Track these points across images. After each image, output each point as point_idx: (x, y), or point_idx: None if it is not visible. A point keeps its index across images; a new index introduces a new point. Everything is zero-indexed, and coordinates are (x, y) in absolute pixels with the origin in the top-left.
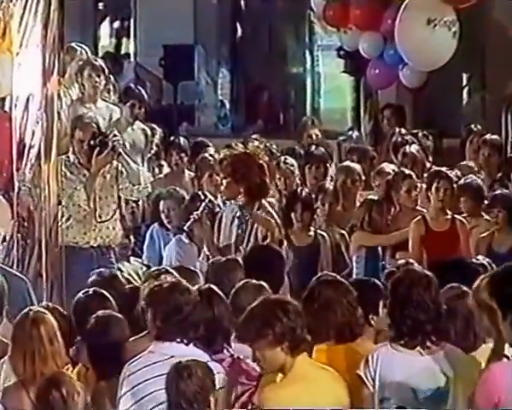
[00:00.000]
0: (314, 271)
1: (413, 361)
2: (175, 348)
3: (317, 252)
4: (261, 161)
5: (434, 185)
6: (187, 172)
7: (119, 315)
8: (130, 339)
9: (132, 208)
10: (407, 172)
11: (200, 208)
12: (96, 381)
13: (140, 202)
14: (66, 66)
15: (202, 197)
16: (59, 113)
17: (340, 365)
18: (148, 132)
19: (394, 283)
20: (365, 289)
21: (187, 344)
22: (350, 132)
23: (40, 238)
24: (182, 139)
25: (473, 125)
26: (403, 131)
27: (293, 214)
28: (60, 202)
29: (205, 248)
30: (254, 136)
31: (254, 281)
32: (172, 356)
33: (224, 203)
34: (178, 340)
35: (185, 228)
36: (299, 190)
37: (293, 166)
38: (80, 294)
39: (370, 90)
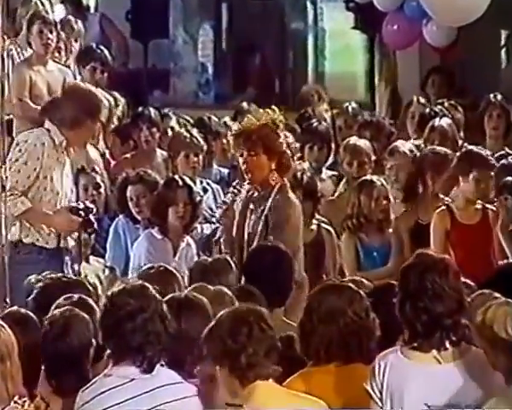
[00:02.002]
0: (319, 274)
1: (428, 371)
2: (134, 371)
3: (321, 250)
4: (284, 132)
5: (473, 174)
6: (159, 151)
7: (82, 313)
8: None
9: (93, 196)
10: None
11: (229, 195)
12: None
13: (102, 189)
14: (22, 21)
15: (180, 183)
16: (8, 76)
17: (351, 389)
18: (112, 102)
19: (404, 271)
20: (385, 295)
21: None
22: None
23: None
24: (153, 111)
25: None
26: (421, 99)
27: None
28: (3, 188)
29: (221, 244)
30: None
31: (220, 288)
32: (133, 379)
33: (235, 188)
34: (138, 362)
35: (215, 219)
36: (298, 174)
37: (295, 146)
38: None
39: (387, 50)
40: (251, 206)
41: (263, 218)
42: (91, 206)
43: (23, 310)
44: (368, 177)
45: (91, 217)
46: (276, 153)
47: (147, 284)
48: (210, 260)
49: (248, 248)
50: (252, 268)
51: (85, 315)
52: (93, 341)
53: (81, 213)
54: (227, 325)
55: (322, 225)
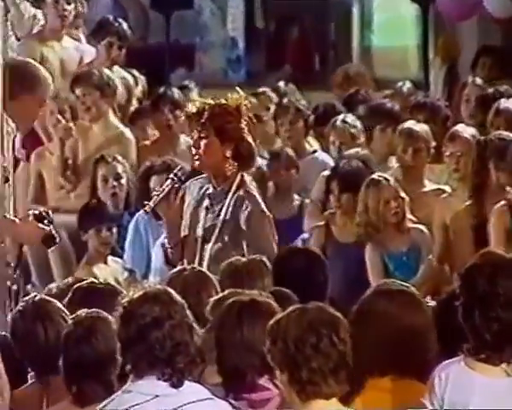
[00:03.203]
0: (365, 279)
1: (496, 384)
2: (159, 386)
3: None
4: (247, 117)
5: None
6: (183, 137)
7: (110, 316)
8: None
9: (114, 188)
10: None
11: (167, 181)
12: None
13: (124, 180)
14: None
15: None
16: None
17: (407, 406)
18: (131, 81)
19: (469, 273)
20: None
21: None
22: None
23: None
24: (176, 91)
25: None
26: (478, 80)
27: (331, 197)
28: (7, 180)
29: (161, 239)
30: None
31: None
32: (157, 395)
33: (188, 177)
34: (167, 376)
35: (145, 209)
36: (341, 161)
37: (355, 127)
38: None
39: (442, 22)
40: (205, 203)
41: (220, 219)
42: (51, 215)
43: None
44: (374, 176)
45: (52, 229)
46: (232, 138)
47: (169, 289)
48: (243, 260)
49: (201, 253)
50: (283, 271)
51: (113, 319)
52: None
53: (45, 221)
54: (293, 330)
55: None
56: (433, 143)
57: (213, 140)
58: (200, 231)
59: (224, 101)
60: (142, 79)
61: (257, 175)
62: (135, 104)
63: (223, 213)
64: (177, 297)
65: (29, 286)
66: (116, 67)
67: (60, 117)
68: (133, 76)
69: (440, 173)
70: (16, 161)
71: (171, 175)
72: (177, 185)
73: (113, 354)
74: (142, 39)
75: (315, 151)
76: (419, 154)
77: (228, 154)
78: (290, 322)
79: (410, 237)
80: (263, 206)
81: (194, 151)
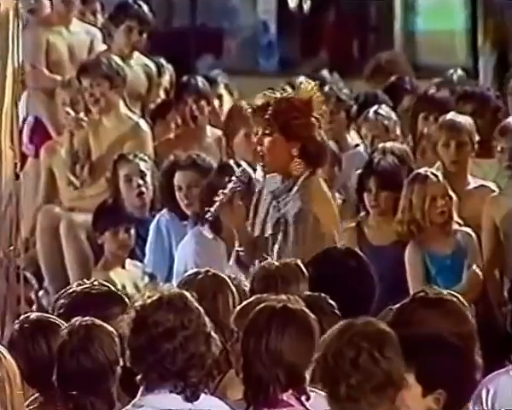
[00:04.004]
0: (401, 285)
1: None
2: (173, 400)
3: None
4: (320, 112)
5: None
6: (209, 129)
7: (108, 325)
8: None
9: (139, 187)
10: None
11: (230, 185)
12: None
13: (149, 177)
14: None
15: (235, 168)
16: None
17: None
18: (153, 70)
19: None
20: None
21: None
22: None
23: None
24: (201, 80)
25: None
26: None
27: (365, 195)
28: (17, 176)
29: (235, 245)
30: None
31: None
32: None
33: (265, 176)
34: (180, 388)
35: (207, 216)
36: (376, 156)
37: (389, 119)
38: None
39: (493, 4)
40: (269, 200)
41: (282, 217)
42: None
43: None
44: (421, 170)
45: None
46: (298, 136)
47: (186, 293)
48: (276, 264)
49: (264, 256)
50: (324, 275)
51: (111, 328)
52: (120, 360)
53: None
54: (334, 344)
55: None
56: (477, 138)
57: (278, 138)
58: (269, 230)
59: (292, 94)
60: (169, 68)
61: None
62: (161, 95)
63: (283, 212)
64: (194, 304)
65: (41, 292)
66: (136, 54)
67: (69, 109)
68: (157, 64)
69: (490, 170)
70: (23, 158)
71: (234, 178)
72: (239, 189)
73: (113, 364)
74: (165, 23)
75: (357, 145)
76: (463, 148)
77: (294, 152)
78: (333, 335)
79: (455, 240)
80: (315, 206)
81: (258, 148)
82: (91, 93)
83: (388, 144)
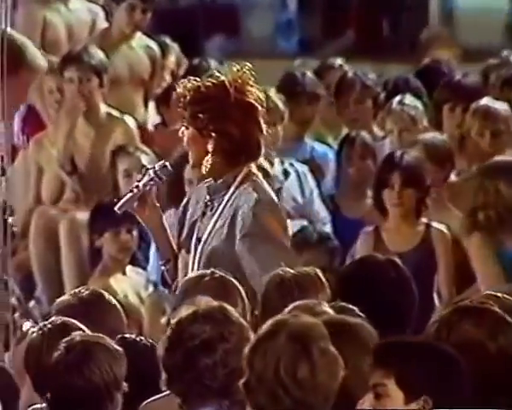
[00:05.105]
0: (428, 295)
1: None
2: None
3: (429, 261)
4: (249, 100)
5: None
6: None
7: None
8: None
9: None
10: None
11: (145, 178)
12: None
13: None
14: None
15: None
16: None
17: None
18: (157, 52)
19: None
20: None
21: None
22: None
23: None
24: (213, 63)
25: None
26: None
27: (386, 192)
28: (3, 172)
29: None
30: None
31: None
32: None
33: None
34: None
35: (115, 208)
36: (397, 151)
37: (416, 108)
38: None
39: None
40: (204, 199)
41: (219, 220)
42: None
43: None
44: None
45: None
46: (210, 129)
47: (226, 306)
48: (292, 272)
49: (199, 261)
50: (353, 286)
51: (116, 346)
52: (124, 384)
53: None
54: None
55: (433, 224)
56: None
57: (193, 131)
58: (195, 234)
59: (208, 80)
60: (175, 47)
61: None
62: (167, 78)
63: (219, 212)
64: (235, 316)
65: (32, 303)
66: (139, 34)
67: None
68: (162, 45)
69: None
70: (14, 150)
71: (151, 172)
72: (155, 186)
73: (110, 387)
74: (171, 0)
75: (385, 137)
76: (499, 138)
77: (209, 148)
78: None
79: None
80: (271, 201)
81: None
82: (80, 89)
83: (429, 135)
